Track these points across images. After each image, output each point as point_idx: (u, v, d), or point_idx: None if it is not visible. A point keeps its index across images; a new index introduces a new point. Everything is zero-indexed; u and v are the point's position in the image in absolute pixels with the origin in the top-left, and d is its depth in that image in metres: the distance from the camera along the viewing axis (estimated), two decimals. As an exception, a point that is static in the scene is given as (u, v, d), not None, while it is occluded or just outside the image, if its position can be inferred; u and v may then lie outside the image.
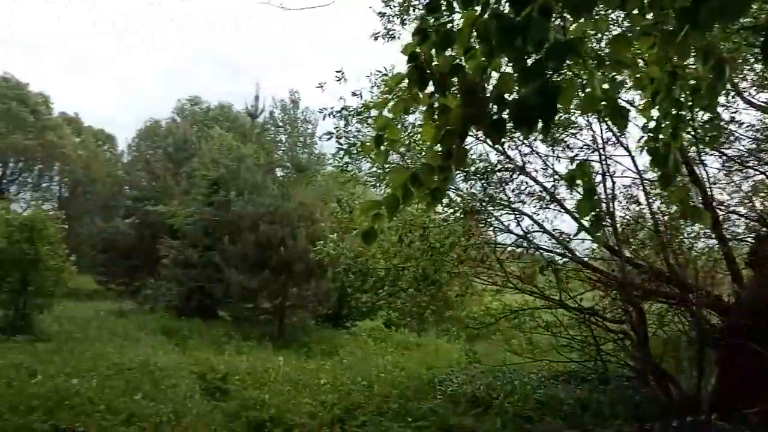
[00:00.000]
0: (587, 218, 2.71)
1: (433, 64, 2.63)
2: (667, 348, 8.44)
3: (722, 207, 9.61)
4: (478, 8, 2.38)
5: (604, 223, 8.69)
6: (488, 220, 9.38)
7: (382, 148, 3.02)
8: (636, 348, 8.11)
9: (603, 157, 8.64)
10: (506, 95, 2.41)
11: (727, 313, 7.41)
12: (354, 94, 8.78)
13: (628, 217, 9.49)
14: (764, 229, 8.37)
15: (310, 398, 8.24)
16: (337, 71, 8.52)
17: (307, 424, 7.13)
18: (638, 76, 2.75)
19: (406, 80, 2.78)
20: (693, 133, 7.80)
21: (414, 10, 8.93)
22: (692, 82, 2.79)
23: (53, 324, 13.54)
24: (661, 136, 2.77)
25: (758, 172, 10.03)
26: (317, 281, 16.07)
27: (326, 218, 17.44)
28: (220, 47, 75.17)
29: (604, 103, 2.56)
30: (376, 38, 8.87)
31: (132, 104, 75.26)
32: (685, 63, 2.91)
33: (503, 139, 8.67)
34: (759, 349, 6.52)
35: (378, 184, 9.37)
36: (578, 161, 8.54)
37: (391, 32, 8.94)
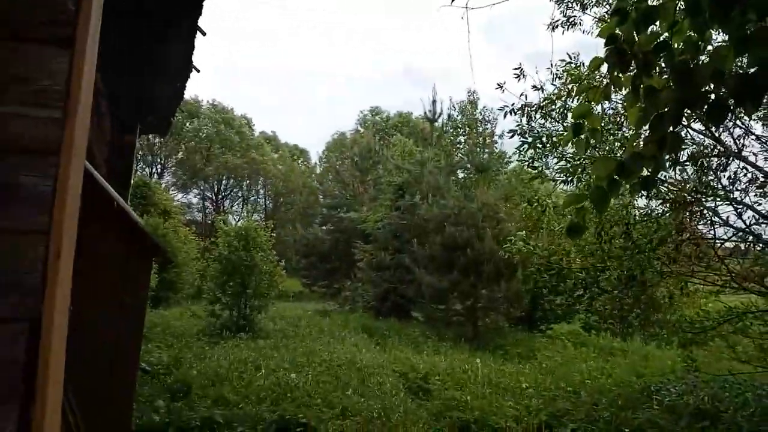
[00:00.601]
0: None
1: (635, 44, 2.42)
2: None
3: None
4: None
5: None
6: (703, 212, 8.44)
7: (582, 137, 2.84)
8: None
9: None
10: (725, 71, 2.12)
11: None
12: (535, 88, 8.46)
13: None
14: None
15: (513, 402, 8.08)
16: (515, 68, 8.27)
17: (513, 428, 6.99)
18: None
19: (605, 65, 2.59)
20: None
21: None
22: None
23: (269, 323, 14.98)
24: None
25: None
26: (507, 282, 15.81)
27: (512, 218, 17.13)
28: (400, 55, 78.04)
29: None
30: (554, 27, 8.47)
31: (320, 118, 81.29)
32: None
33: (720, 124, 7.78)
34: None
35: (569, 179, 8.89)
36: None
37: (571, 19, 8.49)
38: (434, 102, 24.64)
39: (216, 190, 49.57)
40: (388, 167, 26.16)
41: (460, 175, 25.01)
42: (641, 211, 8.75)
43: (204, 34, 4.35)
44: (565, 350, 13.61)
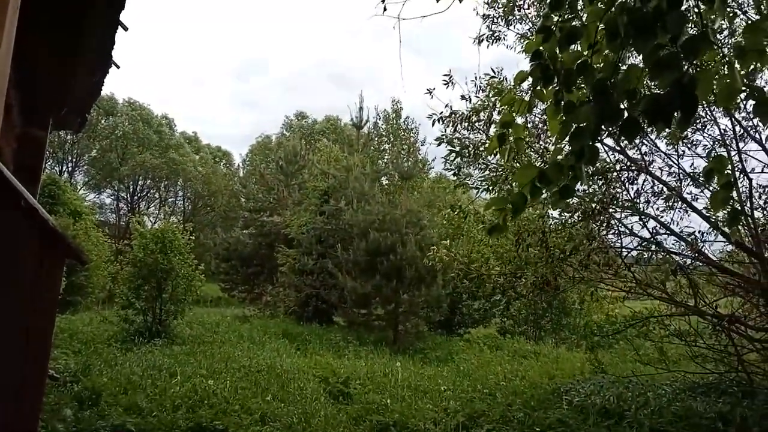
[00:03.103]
0: (722, 212, 2.57)
1: (558, 60, 2.58)
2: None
3: None
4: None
5: (740, 224, 8.06)
6: (611, 222, 8.96)
7: (506, 146, 3.00)
8: (786, 359, 7.42)
9: (735, 153, 8.01)
10: (638, 91, 2.32)
11: None
12: (463, 98, 8.72)
13: (767, 216, 8.75)
14: None
15: (432, 404, 8.25)
16: (445, 74, 8.50)
17: (431, 430, 7.13)
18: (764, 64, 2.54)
19: (529, 78, 2.74)
20: None
21: (519, 10, 8.76)
22: None
23: (186, 329, 14.53)
24: None
25: None
26: (428, 288, 16.12)
27: (434, 224, 17.50)
28: (327, 61, 77.95)
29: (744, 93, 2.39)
30: (480, 42, 8.77)
31: (243, 120, 79.78)
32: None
33: (633, 140, 8.29)
34: None
35: (492, 189, 9.19)
36: (715, 155, 8.01)
37: (495, 34, 8.82)
38: (361, 109, 24.84)
39: (132, 190, 47.56)
40: (314, 172, 26.06)
41: (385, 181, 25.31)
42: (555, 220, 9.16)
43: (126, 29, 4.21)
44: (481, 353, 14.01)
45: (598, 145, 8.10)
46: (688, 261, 8.62)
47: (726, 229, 7.95)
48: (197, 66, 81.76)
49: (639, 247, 8.76)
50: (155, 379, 8.53)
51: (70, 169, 44.63)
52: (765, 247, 7.91)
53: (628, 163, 8.64)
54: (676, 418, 7.24)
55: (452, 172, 9.56)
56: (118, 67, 4.83)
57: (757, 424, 7.09)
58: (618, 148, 8.56)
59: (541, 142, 8.45)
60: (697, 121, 8.18)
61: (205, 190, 47.58)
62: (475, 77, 8.47)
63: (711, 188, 2.58)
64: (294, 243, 21.69)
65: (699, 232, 8.10)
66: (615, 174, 8.70)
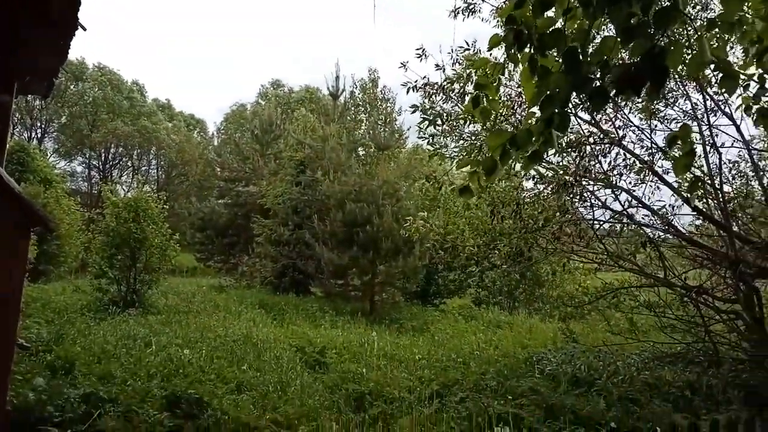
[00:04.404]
0: (684, 180, 2.62)
1: (532, 26, 2.56)
2: (787, 330, 7.90)
3: None
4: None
5: (709, 197, 8.20)
6: (584, 194, 9.06)
7: (481, 107, 2.99)
8: (750, 329, 7.64)
9: (705, 127, 8.11)
10: (610, 60, 2.32)
11: None
12: (437, 67, 8.65)
13: (735, 189, 8.92)
14: None
15: (407, 373, 8.36)
16: (418, 49, 8.42)
17: (406, 398, 7.23)
18: (743, 32, 2.56)
19: (503, 44, 2.72)
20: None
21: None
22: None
23: (161, 298, 14.47)
24: None
25: None
26: (405, 258, 16.21)
27: (411, 195, 17.52)
28: (303, 30, 76.59)
29: (712, 65, 2.41)
30: (455, 14, 8.68)
31: (217, 89, 78.31)
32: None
33: (600, 109, 8.34)
34: None
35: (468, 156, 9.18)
36: (681, 124, 8.10)
37: (471, 6, 8.73)
38: (337, 78, 24.55)
39: (103, 158, 46.63)
40: (290, 142, 25.81)
41: (361, 152, 25.16)
42: (530, 192, 9.23)
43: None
44: (456, 323, 14.21)
45: (572, 116, 8.13)
46: (659, 234, 8.78)
47: (696, 203, 8.11)
48: (171, 32, 79.74)
49: (611, 220, 8.88)
50: (130, 348, 8.50)
51: (39, 135, 43.54)
52: (733, 221, 8.08)
53: (602, 136, 8.70)
54: (645, 386, 7.46)
55: (426, 140, 9.54)
56: (84, 29, 4.66)
57: (722, 392, 7.35)
58: (593, 121, 8.60)
59: (516, 115, 8.45)
60: (669, 95, 8.25)
61: (178, 159, 46.87)
62: (451, 49, 8.41)
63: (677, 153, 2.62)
64: (270, 213, 21.58)
65: (669, 205, 8.24)
66: (588, 147, 8.76)
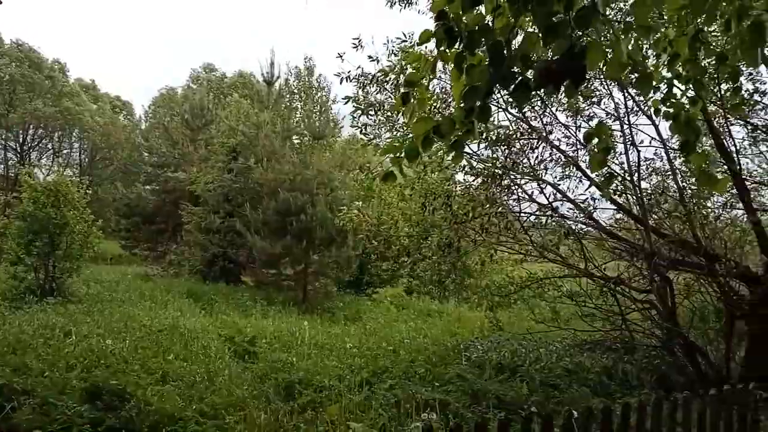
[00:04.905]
0: (599, 174, 2.76)
1: (462, 22, 2.62)
2: (695, 318, 8.44)
3: (750, 177, 9.51)
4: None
5: (628, 192, 8.63)
6: (511, 188, 9.34)
7: (410, 105, 3.03)
8: (662, 318, 8.12)
9: (625, 126, 8.53)
10: (532, 56, 2.42)
11: (756, 284, 7.37)
12: (370, 58, 8.67)
13: (652, 186, 9.43)
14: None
15: (338, 362, 8.39)
16: (354, 38, 8.41)
17: (336, 387, 7.26)
18: (656, 37, 2.72)
19: (434, 39, 2.76)
20: (719, 101, 7.69)
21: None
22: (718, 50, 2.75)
23: (82, 287, 13.86)
24: (684, 102, 2.75)
25: (785, 142, 9.90)
26: (338, 248, 16.21)
27: (345, 185, 17.52)
28: (237, 15, 74.68)
29: (630, 67, 2.55)
30: (392, 5, 8.72)
31: (144, 71, 75.38)
32: (709, 29, 2.86)
33: (525, 106, 8.61)
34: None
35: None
36: (597, 122, 8.47)
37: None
38: (272, 64, 24.14)
39: (21, 140, 44.02)
40: (222, 128, 25.21)
41: (296, 140, 24.90)
42: (460, 185, 9.43)
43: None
44: (388, 312, 14.37)
45: (502, 111, 8.35)
46: (581, 226, 9.17)
47: (617, 198, 8.52)
48: (96, 10, 75.97)
49: (536, 213, 9.19)
50: (48, 338, 8.11)
51: (-53, 114, 40.61)
52: (650, 215, 8.53)
53: (530, 132, 8.98)
54: (565, 372, 7.82)
55: (359, 130, 9.57)
56: (0, 2, 4.41)
57: (636, 377, 7.79)
58: (522, 117, 8.87)
59: (450, 109, 8.59)
60: (595, 94, 8.60)
61: (103, 143, 44.86)
62: (387, 40, 8.44)
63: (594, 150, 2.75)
64: (200, 201, 21.03)
65: (592, 198, 8.60)
66: (517, 142, 9.03)
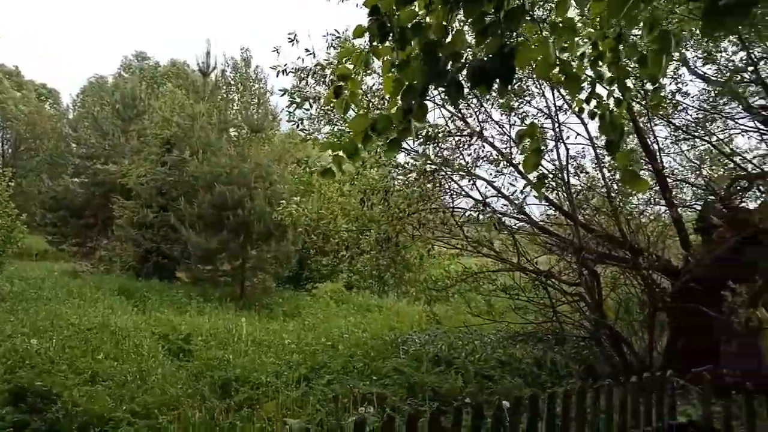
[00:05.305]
0: (532, 175, 2.83)
1: (395, 18, 2.65)
2: (620, 310, 8.85)
3: (672, 175, 10.04)
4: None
5: (559, 188, 8.95)
6: (445, 184, 9.50)
7: (342, 98, 3.04)
8: (590, 310, 8.47)
9: (556, 124, 8.84)
10: (465, 56, 2.49)
11: (677, 277, 7.79)
12: (308, 52, 8.62)
13: (582, 182, 9.81)
14: (711, 196, 8.78)
15: (275, 358, 8.34)
16: (289, 33, 8.34)
17: (273, 383, 7.22)
18: (579, 39, 2.82)
19: (367, 34, 2.79)
20: (642, 102, 8.07)
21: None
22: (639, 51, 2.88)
23: (6, 284, 13.18)
24: (609, 102, 2.86)
25: (705, 142, 10.50)
26: (277, 243, 16.04)
27: (284, 179, 17.32)
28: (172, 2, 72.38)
29: (558, 67, 2.65)
30: (329, -1, 8.69)
31: (72, 58, 72.08)
32: (631, 32, 2.99)
33: (460, 103, 8.78)
34: (707, 310, 6.94)
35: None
36: (529, 122, 8.74)
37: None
38: (208, 54, 23.58)
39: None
40: (156, 119, 24.44)
41: (233, 133, 24.42)
42: (398, 180, 9.51)
43: None
44: (328, 308, 14.36)
45: (439, 108, 8.46)
46: (515, 222, 9.44)
47: (548, 194, 8.80)
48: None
49: (472, 208, 9.39)
50: (-34, 339, 7.71)
51: None
52: (579, 211, 8.88)
53: (466, 129, 9.16)
54: (499, 363, 8.06)
55: (295, 125, 9.49)
56: None
57: (565, 367, 8.11)
58: (458, 114, 9.03)
59: (387, 103, 8.64)
60: (528, 93, 8.85)
61: (28, 132, 42.63)
62: (326, 33, 8.42)
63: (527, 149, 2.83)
64: (132, 194, 20.34)
65: (520, 192, 8.85)
66: (453, 139, 9.19)
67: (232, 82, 33.44)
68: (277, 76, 8.48)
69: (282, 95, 8.76)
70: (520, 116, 9.17)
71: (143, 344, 8.64)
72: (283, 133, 25.41)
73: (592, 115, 2.82)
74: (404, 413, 5.71)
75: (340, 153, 2.75)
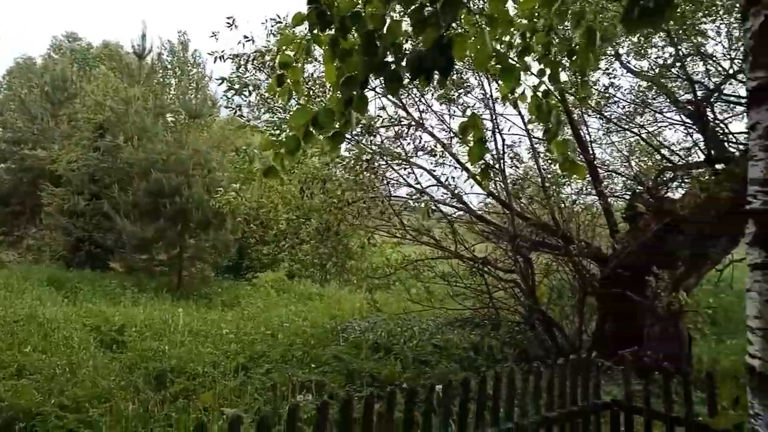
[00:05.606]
0: (477, 167, 2.90)
1: (335, 7, 2.66)
2: (553, 295, 9.18)
3: (603, 166, 10.45)
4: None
5: (496, 178, 9.17)
6: (386, 173, 9.57)
7: (285, 87, 3.02)
8: (524, 295, 8.75)
9: (494, 115, 9.05)
10: (405, 46, 2.51)
11: (606, 263, 8.14)
12: (246, 38, 8.49)
13: (518, 172, 10.08)
14: (639, 187, 9.20)
15: (213, 348, 8.24)
16: (228, 17, 8.18)
17: (210, 373, 7.13)
18: (511, 32, 2.88)
19: (307, 22, 2.77)
20: (573, 94, 8.36)
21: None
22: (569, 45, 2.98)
23: None
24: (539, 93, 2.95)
25: (634, 134, 10.97)
26: (216, 232, 15.75)
27: (223, 167, 16.98)
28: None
29: (494, 59, 2.72)
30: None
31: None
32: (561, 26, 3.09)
33: (402, 94, 8.84)
34: (633, 296, 7.29)
35: (277, 132, 9.15)
36: (471, 113, 8.89)
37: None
38: (143, 37, 22.78)
39: None
40: (88, 103, 23.43)
41: (170, 118, 23.70)
42: (337, 170, 9.51)
43: None
44: (268, 297, 14.24)
45: (380, 98, 8.50)
46: (454, 210, 9.62)
47: (486, 183, 8.99)
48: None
49: (413, 197, 9.51)
50: None
51: None
52: (514, 200, 9.13)
53: (407, 119, 9.24)
54: (436, 349, 8.22)
55: (233, 111, 9.34)
56: None
57: (500, 351, 8.35)
58: (400, 104, 9.09)
59: (328, 93, 8.61)
60: (466, 85, 9.00)
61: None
62: (266, 20, 8.30)
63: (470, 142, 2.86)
64: (62, 181, 19.49)
65: (454, 178, 9.01)
66: (395, 128, 9.26)
67: (169, 66, 32.39)
68: (215, 62, 8.28)
69: (220, 84, 8.60)
70: (460, 107, 9.33)
71: (74, 336, 8.36)
72: (222, 120, 24.82)
73: (515, 104, 2.89)
74: (341, 399, 5.77)
75: (282, 150, 2.72)
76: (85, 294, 12.76)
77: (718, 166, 8.90)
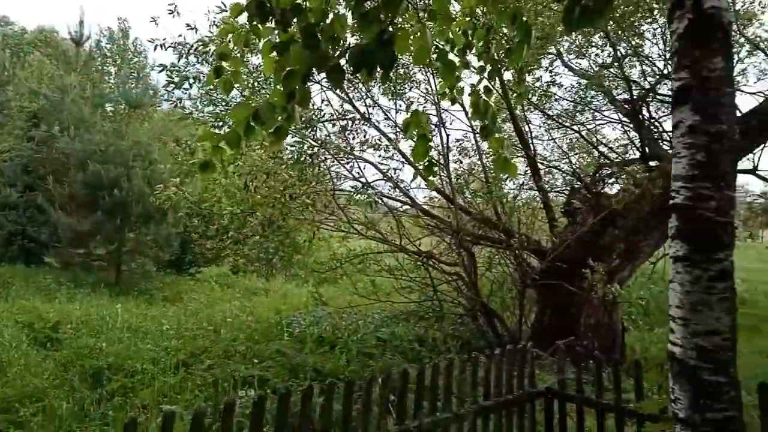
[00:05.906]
0: (421, 163, 2.94)
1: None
2: (494, 288, 9.39)
3: (544, 161, 10.75)
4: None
5: (440, 172, 9.31)
6: (331, 167, 9.56)
7: (224, 78, 2.97)
8: (467, 288, 8.92)
9: (439, 110, 9.17)
10: (348, 41, 2.52)
11: (545, 256, 8.38)
12: (189, 27, 8.28)
13: (462, 167, 10.27)
14: (578, 182, 9.51)
15: (153, 345, 8.04)
16: (170, 5, 7.96)
17: (149, 370, 6.98)
18: (452, 29, 2.92)
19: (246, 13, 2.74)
20: (511, 91, 8.57)
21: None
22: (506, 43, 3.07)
23: None
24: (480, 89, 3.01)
25: (574, 131, 11.33)
26: (157, 225, 15.35)
27: (165, 159, 16.54)
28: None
29: (435, 55, 2.76)
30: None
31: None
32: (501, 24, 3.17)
33: (348, 88, 8.85)
34: (571, 288, 7.55)
35: (220, 124, 8.99)
36: (413, 110, 8.99)
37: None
38: (81, 23, 21.91)
39: None
40: (21, 90, 22.38)
41: (109, 108, 22.93)
42: (282, 162, 9.44)
43: None
44: (212, 292, 14.01)
45: (326, 92, 8.47)
46: (400, 204, 9.71)
47: (431, 178, 9.10)
48: None
49: (360, 191, 9.53)
50: None
51: None
52: (458, 195, 9.28)
53: (351, 113, 9.26)
54: (381, 341, 8.28)
55: (174, 105, 9.12)
56: None
57: (443, 342, 8.49)
58: (347, 98, 9.09)
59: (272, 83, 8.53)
60: (412, 80, 9.09)
61: None
62: (208, 10, 8.13)
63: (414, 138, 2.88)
64: (-7, 172, 18.58)
65: (399, 171, 9.08)
66: (341, 122, 9.26)
67: (109, 54, 31.30)
68: (155, 50, 8.07)
69: (160, 72, 8.36)
70: (406, 102, 9.40)
71: (4, 333, 7.99)
72: (164, 110, 24.17)
73: (452, 100, 2.94)
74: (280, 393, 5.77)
75: (221, 144, 2.66)
76: (17, 290, 12.21)
77: (652, 163, 9.30)
